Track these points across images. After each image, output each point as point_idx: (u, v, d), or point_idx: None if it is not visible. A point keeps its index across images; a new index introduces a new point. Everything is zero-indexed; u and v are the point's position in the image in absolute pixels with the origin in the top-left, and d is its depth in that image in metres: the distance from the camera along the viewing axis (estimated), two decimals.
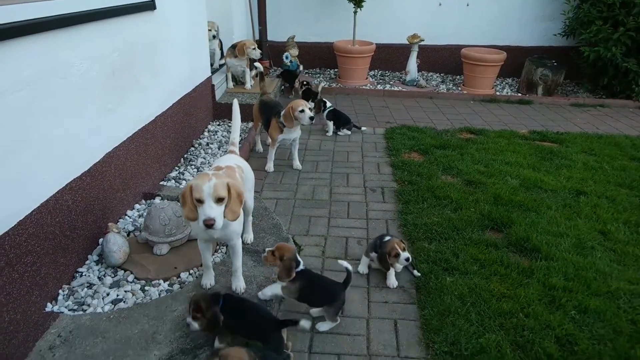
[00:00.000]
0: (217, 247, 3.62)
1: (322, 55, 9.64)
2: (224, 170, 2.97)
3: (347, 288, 2.95)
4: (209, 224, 2.47)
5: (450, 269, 3.42)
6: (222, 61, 7.35)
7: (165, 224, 3.39)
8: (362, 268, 3.44)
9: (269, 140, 5.14)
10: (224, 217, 2.56)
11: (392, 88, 8.57)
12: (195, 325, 2.55)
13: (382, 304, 3.16)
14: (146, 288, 3.10)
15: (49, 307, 2.87)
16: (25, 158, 2.65)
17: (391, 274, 3.34)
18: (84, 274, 3.19)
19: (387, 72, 9.76)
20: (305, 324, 2.54)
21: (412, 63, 8.73)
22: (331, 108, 6.35)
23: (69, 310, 2.87)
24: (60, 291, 3.00)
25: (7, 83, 2.48)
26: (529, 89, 8.52)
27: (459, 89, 8.71)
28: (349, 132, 6.25)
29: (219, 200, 2.52)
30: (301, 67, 8.38)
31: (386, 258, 3.24)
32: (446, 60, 9.57)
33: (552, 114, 7.51)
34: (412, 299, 3.20)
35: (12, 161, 2.54)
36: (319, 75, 9.52)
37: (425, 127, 6.46)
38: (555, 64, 8.36)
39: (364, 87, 8.56)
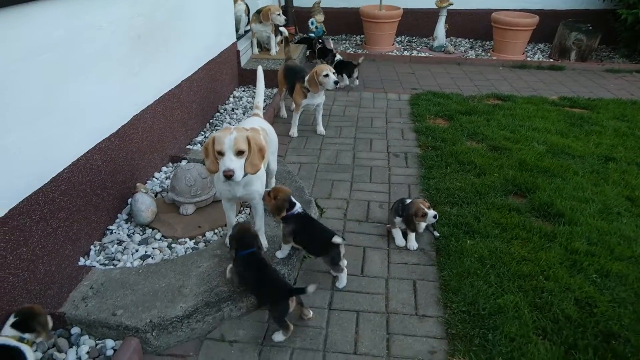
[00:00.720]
0: (241, 208, 3.71)
1: (348, 21, 9.50)
2: (248, 132, 3.03)
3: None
4: (228, 175, 2.54)
5: (471, 232, 3.43)
6: (248, 27, 7.32)
7: (191, 185, 3.49)
8: (399, 241, 3.40)
9: (293, 105, 5.16)
10: (245, 170, 2.62)
11: (419, 54, 8.42)
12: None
13: (401, 265, 3.20)
14: (173, 246, 3.22)
15: (81, 262, 3.02)
16: (56, 119, 2.75)
17: (412, 236, 3.37)
18: (114, 231, 3.33)
19: (414, 38, 9.57)
20: (311, 288, 2.56)
21: (440, 28, 8.53)
22: (339, 60, 6.84)
23: (100, 264, 3.01)
24: (92, 247, 3.15)
25: (36, 44, 2.56)
26: (561, 54, 8.25)
27: (488, 54, 8.49)
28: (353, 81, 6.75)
29: (239, 153, 2.57)
30: (332, 45, 8.25)
31: (412, 219, 3.26)
32: (475, 25, 9.31)
33: (585, 80, 7.27)
34: (431, 260, 3.23)
35: (44, 121, 2.64)
36: (344, 41, 9.40)
37: (452, 93, 6.36)
38: (590, 28, 8.04)
39: (390, 53, 8.43)
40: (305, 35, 8.65)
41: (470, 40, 9.45)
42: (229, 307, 2.77)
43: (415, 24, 9.44)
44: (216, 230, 3.42)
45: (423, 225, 3.35)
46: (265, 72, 6.37)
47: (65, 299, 2.67)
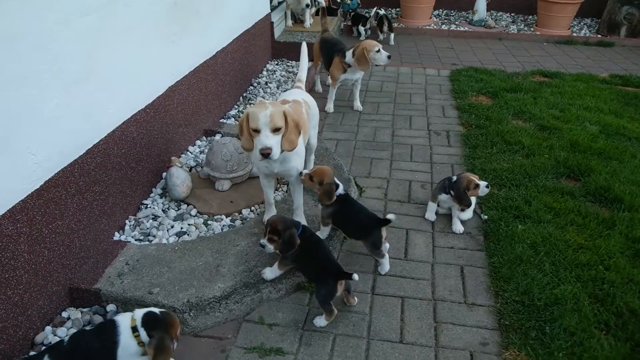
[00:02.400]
0: (278, 185, 3.57)
1: None
2: (290, 104, 2.88)
3: (382, 226, 2.74)
4: (266, 153, 2.40)
5: (522, 216, 3.22)
6: None
7: (227, 160, 3.36)
8: (430, 215, 3.29)
9: (329, 79, 4.96)
10: (281, 147, 2.49)
11: (458, 28, 8.06)
12: (271, 247, 2.53)
13: (447, 249, 3.03)
14: (209, 222, 3.12)
15: (116, 236, 2.94)
16: (91, 87, 2.63)
17: (456, 220, 3.19)
18: (148, 206, 3.24)
19: (452, 11, 9.18)
20: (355, 276, 2.37)
21: (481, 1, 8.14)
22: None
23: (136, 240, 2.93)
24: (127, 221, 3.07)
25: (73, 7, 2.42)
26: (610, 29, 7.78)
27: (531, 29, 8.08)
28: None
29: (276, 129, 2.43)
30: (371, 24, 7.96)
31: (465, 193, 3.05)
32: None
33: (637, 57, 6.84)
34: (479, 245, 3.05)
35: (79, 90, 2.52)
36: None
37: (494, 69, 6.05)
38: None
39: (427, 27, 8.10)
40: (344, 6, 8.37)
41: (512, 14, 9.02)
42: (267, 289, 2.65)
43: None
44: (253, 208, 3.29)
45: (484, 188, 3.08)
46: (299, 45, 6.23)
47: (100, 275, 2.59)
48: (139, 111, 3.12)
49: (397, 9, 8.88)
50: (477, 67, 6.09)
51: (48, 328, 2.36)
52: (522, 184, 3.57)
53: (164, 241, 2.92)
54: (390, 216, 2.70)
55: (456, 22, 8.41)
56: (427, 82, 5.74)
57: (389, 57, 4.53)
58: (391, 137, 4.43)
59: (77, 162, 2.53)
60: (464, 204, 3.09)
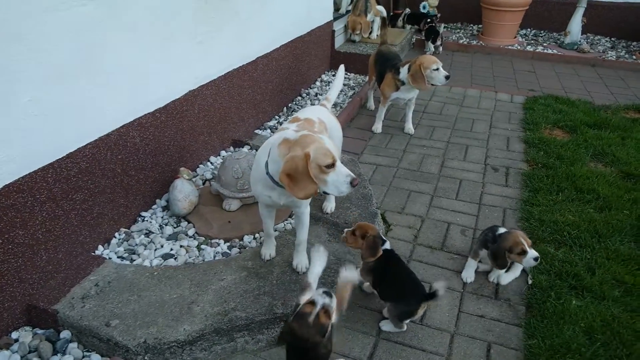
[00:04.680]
0: (291, 212, 3.16)
1: (466, 8, 8.48)
2: (301, 122, 2.44)
3: (426, 301, 2.26)
4: (357, 182, 2.06)
5: (580, 288, 2.56)
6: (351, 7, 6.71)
7: (237, 177, 3.00)
8: (468, 274, 2.70)
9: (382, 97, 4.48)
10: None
11: (545, 50, 7.23)
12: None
13: (476, 317, 2.45)
14: (202, 247, 2.76)
15: (99, 250, 2.66)
16: (83, 85, 2.37)
17: (471, 265, 2.64)
18: (146, 218, 2.95)
19: (541, 31, 8.31)
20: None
21: (576, 22, 7.24)
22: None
23: (118, 257, 2.63)
24: (116, 234, 2.79)
25: None
26: None
27: (633, 57, 7.05)
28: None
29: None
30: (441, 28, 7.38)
31: (504, 255, 2.46)
32: (621, 22, 7.81)
33: None
34: (517, 319, 2.44)
35: (64, 87, 2.26)
36: (459, 30, 8.42)
37: (579, 100, 5.24)
38: None
39: (509, 47, 7.34)
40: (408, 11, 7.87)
41: (612, 39, 7.98)
42: (244, 339, 2.24)
43: (546, 16, 8.17)
44: (257, 235, 2.90)
45: (521, 266, 2.53)
46: (361, 56, 5.80)
47: (64, 294, 2.31)
48: (145, 115, 2.84)
49: (479, 26, 8.17)
50: (558, 96, 5.31)
51: None
52: (588, 245, 2.89)
53: (147, 263, 2.60)
54: (439, 289, 2.18)
55: (544, 44, 7.57)
56: (496, 108, 5.07)
57: (447, 77, 3.97)
58: (439, 167, 3.86)
59: (52, 166, 2.27)
60: (498, 264, 2.50)
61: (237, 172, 3.02)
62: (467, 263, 2.73)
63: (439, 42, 7.10)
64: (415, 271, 2.69)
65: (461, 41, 7.64)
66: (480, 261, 2.73)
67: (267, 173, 2.19)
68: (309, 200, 2.41)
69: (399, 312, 2.29)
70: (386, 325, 2.37)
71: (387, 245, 2.43)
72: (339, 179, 2.03)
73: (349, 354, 2.22)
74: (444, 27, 8.43)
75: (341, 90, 5.29)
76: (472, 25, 8.65)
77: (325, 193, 2.10)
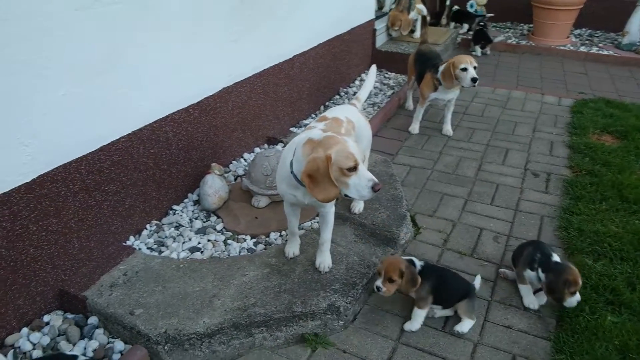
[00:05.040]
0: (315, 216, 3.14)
1: (517, 6, 8.19)
2: (329, 121, 2.45)
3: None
4: (380, 187, 2.01)
5: (618, 304, 2.42)
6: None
7: (267, 174, 3.02)
8: (529, 300, 2.49)
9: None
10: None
11: (600, 51, 6.88)
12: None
13: (502, 328, 2.36)
14: (229, 242, 2.80)
15: (130, 241, 2.75)
16: (116, 81, 2.44)
17: (527, 291, 2.50)
18: (177, 212, 3.02)
19: (598, 31, 7.93)
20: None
21: (635, 22, 6.86)
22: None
23: (147, 248, 2.71)
24: (147, 226, 2.87)
25: None
26: None
27: None
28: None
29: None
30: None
31: (562, 290, 2.30)
32: None
33: None
34: (546, 331, 2.33)
35: (98, 82, 2.34)
36: (508, 30, 8.15)
37: (633, 103, 4.95)
38: None
39: (561, 47, 7.03)
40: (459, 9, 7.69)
41: None
42: (262, 335, 2.25)
43: (603, 15, 7.77)
44: (283, 232, 2.91)
45: (574, 301, 2.34)
46: (402, 56, 5.71)
47: (94, 281, 2.40)
48: (178, 110, 2.91)
49: (530, 25, 7.87)
50: (610, 99, 5.04)
51: (25, 330, 2.21)
52: (630, 258, 2.73)
53: (174, 255, 2.66)
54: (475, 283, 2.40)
55: (600, 45, 7.20)
56: (542, 110, 4.87)
57: (473, 79, 3.81)
58: (476, 171, 3.75)
59: (85, 158, 2.35)
60: (554, 297, 2.37)
61: (267, 169, 3.04)
62: (521, 291, 2.53)
63: (487, 49, 6.87)
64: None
65: (510, 41, 7.40)
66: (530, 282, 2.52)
67: (292, 172, 2.19)
68: (334, 200, 2.39)
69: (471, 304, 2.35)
70: (461, 327, 2.34)
71: (417, 265, 2.40)
72: (360, 183, 2.00)
73: (366, 357, 2.19)
74: (493, 26, 8.19)
75: (380, 90, 5.24)
76: (522, 24, 8.35)
77: (346, 196, 2.08)
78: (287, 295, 2.35)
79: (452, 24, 7.63)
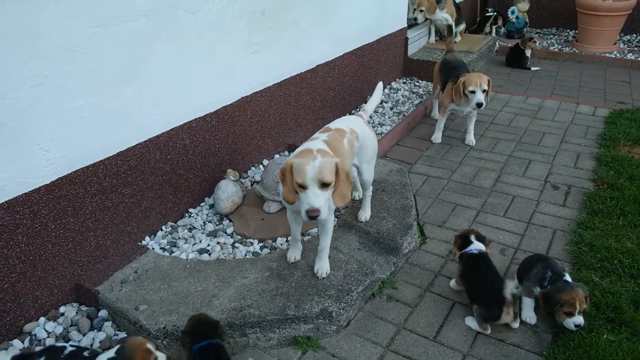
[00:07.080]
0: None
1: (562, 12, 7.96)
2: (332, 132, 2.55)
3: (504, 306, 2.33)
4: (313, 216, 2.10)
5: (618, 322, 2.36)
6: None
7: (277, 181, 3.13)
8: (528, 314, 2.46)
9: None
10: (333, 203, 2.25)
11: None
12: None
13: (494, 341, 2.36)
14: (236, 245, 2.94)
15: (145, 241, 2.94)
16: (134, 91, 2.64)
17: (530, 305, 2.47)
18: (192, 215, 3.19)
19: None
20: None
21: None
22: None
23: (160, 248, 2.89)
24: (163, 227, 3.05)
25: (117, 10, 2.44)
26: None
27: None
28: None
29: (325, 185, 2.13)
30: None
31: (554, 305, 2.29)
32: None
33: None
34: (539, 346, 2.31)
35: (116, 93, 2.54)
36: (552, 37, 7.91)
37: None
38: None
39: (606, 54, 6.76)
40: (509, 26, 7.55)
41: None
42: (256, 335, 2.37)
43: None
44: (289, 238, 3.01)
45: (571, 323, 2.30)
46: (434, 64, 5.68)
47: (107, 277, 2.60)
48: (195, 119, 3.08)
49: (575, 31, 7.61)
50: None
51: (42, 319, 2.43)
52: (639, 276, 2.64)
53: (183, 255, 2.83)
54: (506, 293, 2.32)
55: None
56: (573, 121, 4.72)
57: (478, 104, 3.82)
58: (494, 182, 3.71)
59: (103, 163, 2.56)
60: (545, 308, 2.36)
61: (278, 176, 3.15)
62: (524, 304, 2.49)
63: (529, 63, 6.52)
64: (440, 289, 2.67)
65: (552, 48, 7.19)
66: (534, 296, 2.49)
67: None
68: (333, 209, 2.47)
69: (483, 314, 2.38)
70: (471, 322, 2.45)
71: (473, 249, 2.56)
72: (303, 202, 2.14)
73: None
74: (536, 32, 7.98)
75: (408, 99, 5.26)
76: (568, 30, 8.08)
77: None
78: (282, 298, 2.45)
79: (494, 31, 7.51)
